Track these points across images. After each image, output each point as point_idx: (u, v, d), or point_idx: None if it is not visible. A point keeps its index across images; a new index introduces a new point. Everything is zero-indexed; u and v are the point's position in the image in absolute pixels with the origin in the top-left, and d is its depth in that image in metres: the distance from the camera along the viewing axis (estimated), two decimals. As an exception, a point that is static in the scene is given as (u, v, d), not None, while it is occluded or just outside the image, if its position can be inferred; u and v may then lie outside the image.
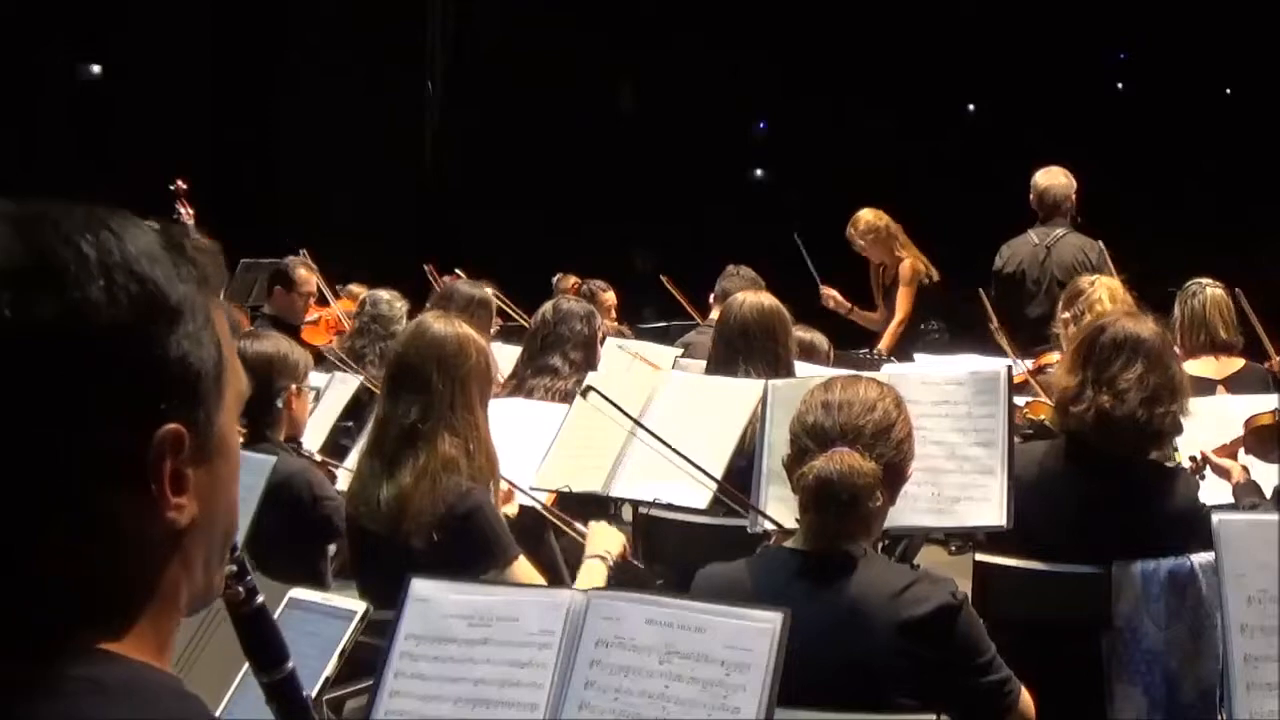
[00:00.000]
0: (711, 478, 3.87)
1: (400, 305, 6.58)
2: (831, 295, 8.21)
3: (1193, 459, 4.01)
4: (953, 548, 6.55)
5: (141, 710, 0.98)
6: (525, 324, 6.12)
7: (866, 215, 8.00)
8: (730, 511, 4.06)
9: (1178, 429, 3.60)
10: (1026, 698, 2.76)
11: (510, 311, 7.59)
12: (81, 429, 0.98)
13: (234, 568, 1.22)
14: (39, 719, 0.96)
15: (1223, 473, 4.00)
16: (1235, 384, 5.15)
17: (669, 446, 3.85)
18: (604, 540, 3.48)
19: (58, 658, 0.98)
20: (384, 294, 6.66)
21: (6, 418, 0.97)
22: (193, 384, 1.03)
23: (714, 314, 6.83)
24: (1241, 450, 4.13)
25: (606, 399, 3.95)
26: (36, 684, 0.96)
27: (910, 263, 7.94)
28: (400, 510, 3.47)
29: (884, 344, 7.75)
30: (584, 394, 4.02)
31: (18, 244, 0.99)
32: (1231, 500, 3.91)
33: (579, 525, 3.74)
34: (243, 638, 1.34)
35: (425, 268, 8.47)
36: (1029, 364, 5.51)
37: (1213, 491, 3.91)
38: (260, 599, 1.33)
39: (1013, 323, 6.46)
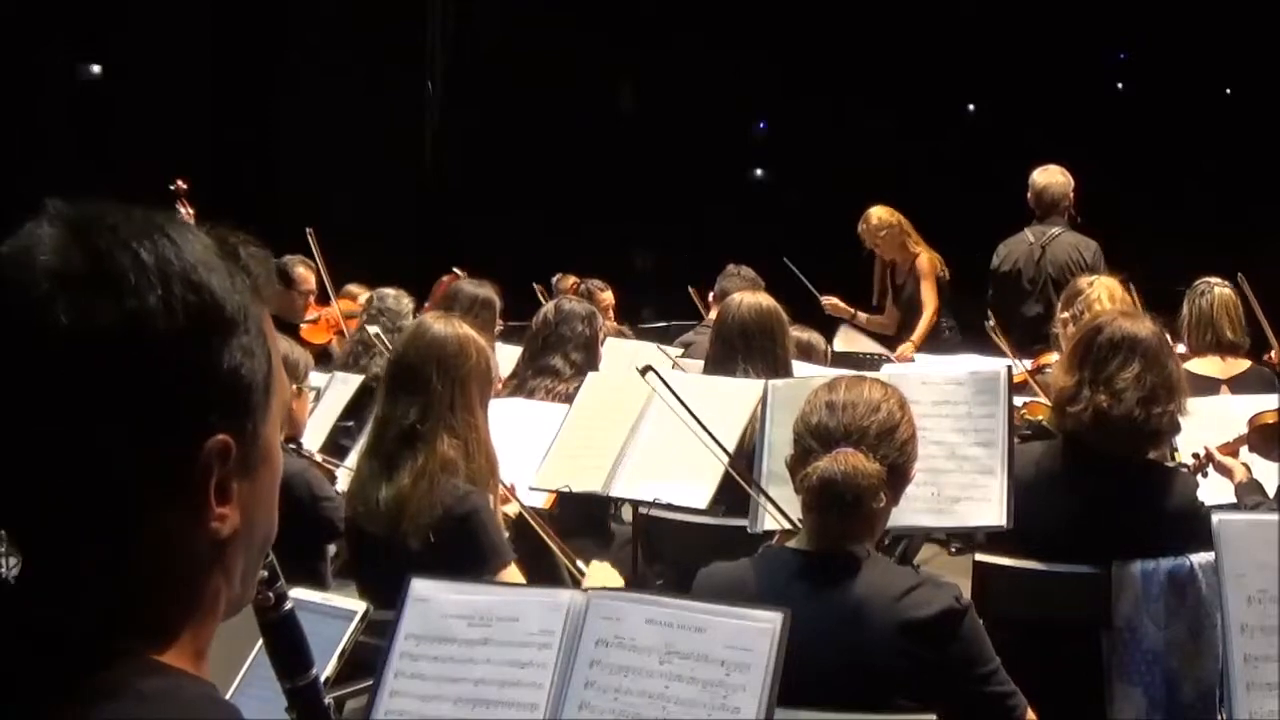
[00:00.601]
0: (726, 451, 3.85)
1: (407, 301, 6.58)
2: (832, 302, 8.17)
3: (1195, 456, 4.02)
4: (953, 549, 6.55)
5: (180, 716, 0.98)
6: (542, 299, 6.10)
7: (879, 212, 7.93)
8: (731, 511, 4.06)
9: (1175, 428, 3.61)
10: (1033, 717, 2.74)
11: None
12: (132, 438, 0.97)
13: (265, 573, 1.22)
14: None
15: (1225, 471, 4.00)
16: (1239, 384, 5.15)
17: (713, 438, 3.81)
18: (600, 579, 3.43)
19: (104, 666, 0.97)
20: (390, 291, 6.66)
21: (59, 425, 0.96)
22: (243, 396, 1.03)
23: (712, 314, 6.83)
24: (1245, 448, 4.14)
25: (664, 383, 3.87)
26: (83, 691, 0.96)
27: (927, 256, 7.89)
28: (399, 511, 3.47)
29: (916, 338, 7.68)
30: (643, 373, 3.91)
31: (75, 249, 0.98)
32: (1233, 498, 3.92)
33: (579, 563, 3.68)
34: (269, 643, 1.34)
35: (457, 271, 8.40)
36: (1028, 364, 5.50)
37: (1215, 490, 3.91)
38: (289, 605, 1.32)
39: (1009, 321, 6.45)
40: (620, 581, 3.42)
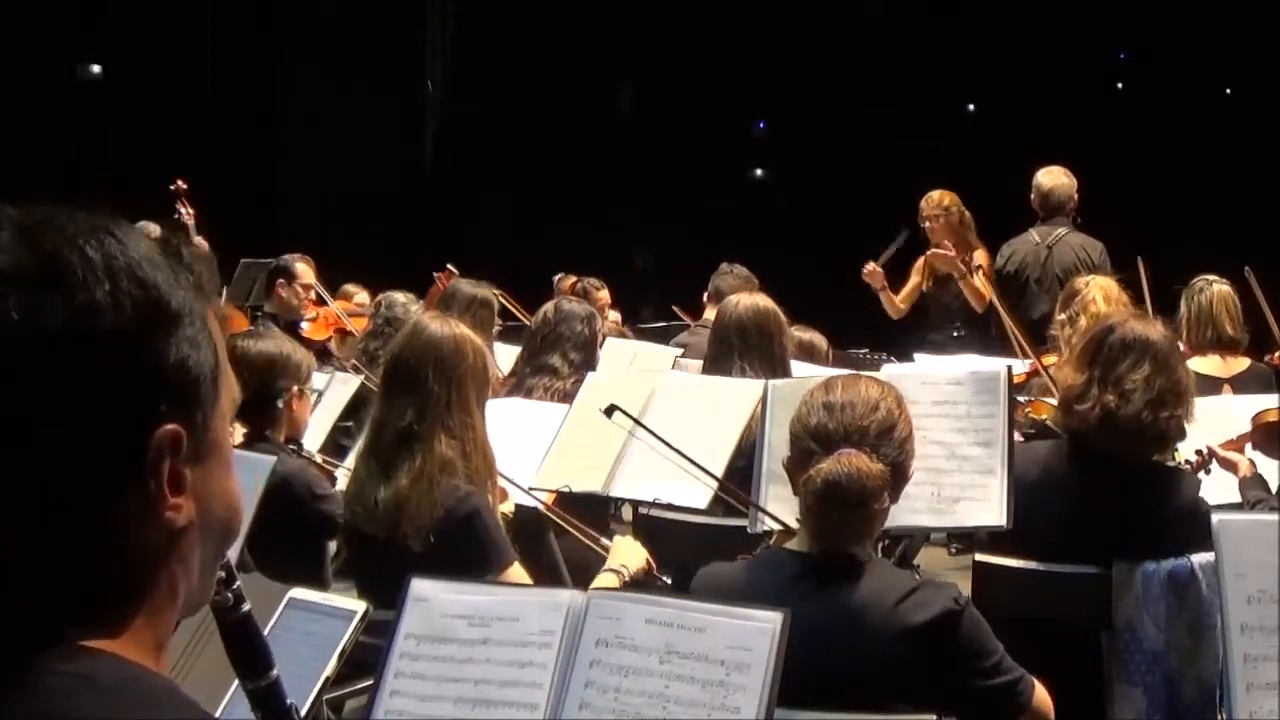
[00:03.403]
0: (714, 477, 3.85)
1: (416, 308, 6.54)
2: (871, 269, 7.77)
3: (1199, 453, 4.01)
4: (953, 549, 6.55)
5: (140, 710, 0.99)
6: (526, 321, 6.11)
7: (941, 193, 7.66)
8: (731, 511, 4.06)
9: (1181, 434, 3.60)
10: (1042, 694, 2.73)
11: (514, 311, 7.58)
12: (83, 430, 0.99)
13: (222, 574, 1.23)
14: (27, 714, 0.96)
15: (1229, 465, 4.00)
16: (1240, 383, 5.16)
17: (683, 455, 3.82)
18: (625, 555, 3.40)
19: (49, 654, 0.99)
20: (399, 296, 6.60)
21: (9, 419, 0.98)
22: (191, 387, 1.05)
23: (708, 313, 6.83)
24: (1249, 446, 4.14)
25: (630, 416, 3.85)
26: (25, 680, 0.97)
27: (984, 254, 7.59)
28: (398, 512, 3.46)
29: (971, 276, 7.36)
30: (608, 413, 3.90)
31: (23, 248, 1.01)
32: (1237, 493, 3.92)
33: (603, 540, 3.68)
34: (228, 643, 1.35)
35: (436, 275, 8.37)
36: (1025, 366, 5.49)
37: (1219, 486, 3.92)
38: (247, 606, 1.34)
39: (1013, 322, 6.41)
40: (645, 556, 3.40)
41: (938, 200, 7.67)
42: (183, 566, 1.07)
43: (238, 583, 1.31)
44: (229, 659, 1.36)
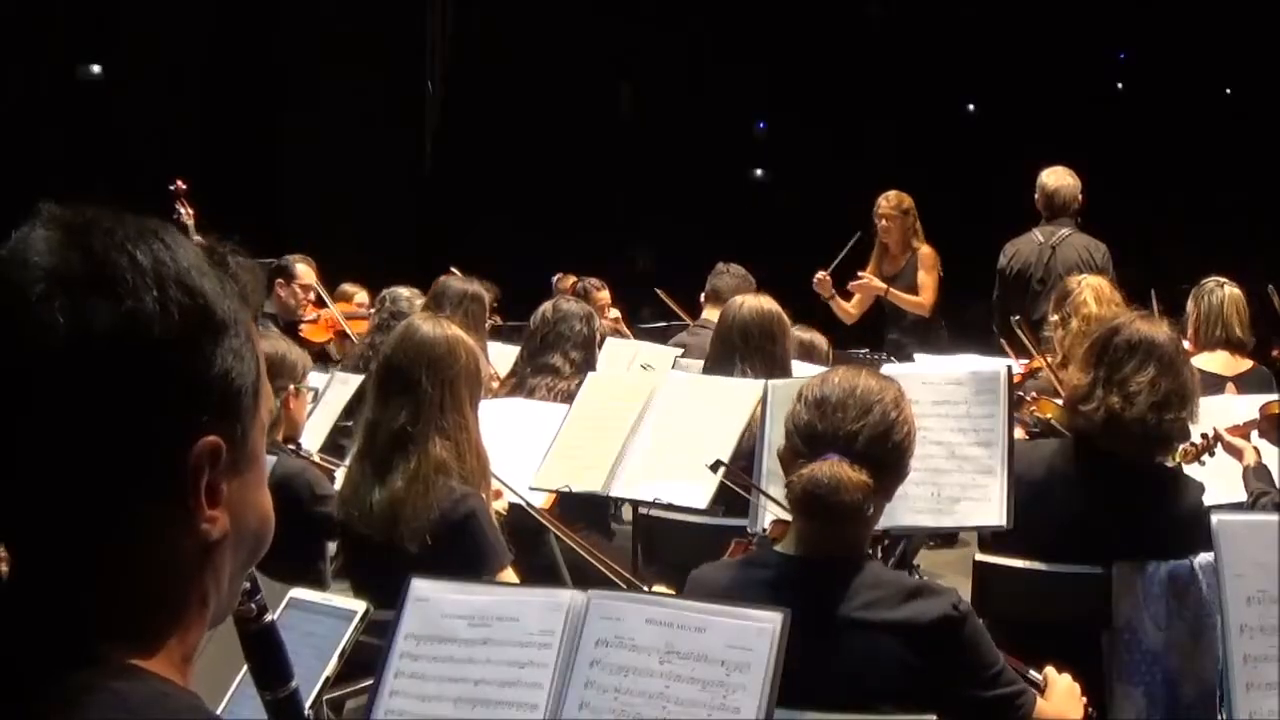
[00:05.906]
0: (755, 486, 3.83)
1: (419, 303, 6.54)
2: (821, 277, 7.82)
3: (1204, 436, 4.02)
4: (930, 542, 6.44)
5: None
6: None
7: (898, 195, 7.75)
8: (731, 511, 4.06)
9: (1185, 435, 3.61)
10: (1048, 706, 2.71)
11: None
12: (123, 439, 0.98)
13: (247, 584, 1.22)
14: None
15: (1235, 452, 4.01)
16: (1243, 382, 5.19)
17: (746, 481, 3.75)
18: None
19: (87, 671, 0.97)
20: (404, 290, 6.59)
21: (53, 425, 0.96)
22: (234, 398, 1.03)
23: (706, 313, 6.82)
24: (1255, 434, 4.16)
25: (731, 470, 3.78)
26: (65, 697, 0.96)
27: (930, 250, 7.74)
28: (393, 515, 3.44)
29: (894, 295, 7.62)
30: (714, 468, 3.76)
31: (72, 250, 0.98)
32: (1240, 483, 3.94)
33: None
34: (249, 654, 1.34)
35: (454, 271, 8.35)
36: (1022, 366, 5.49)
37: (1223, 479, 3.92)
38: (270, 616, 1.32)
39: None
40: None
41: (896, 201, 7.75)
42: (214, 580, 1.06)
43: (261, 593, 1.30)
44: (249, 669, 1.34)
